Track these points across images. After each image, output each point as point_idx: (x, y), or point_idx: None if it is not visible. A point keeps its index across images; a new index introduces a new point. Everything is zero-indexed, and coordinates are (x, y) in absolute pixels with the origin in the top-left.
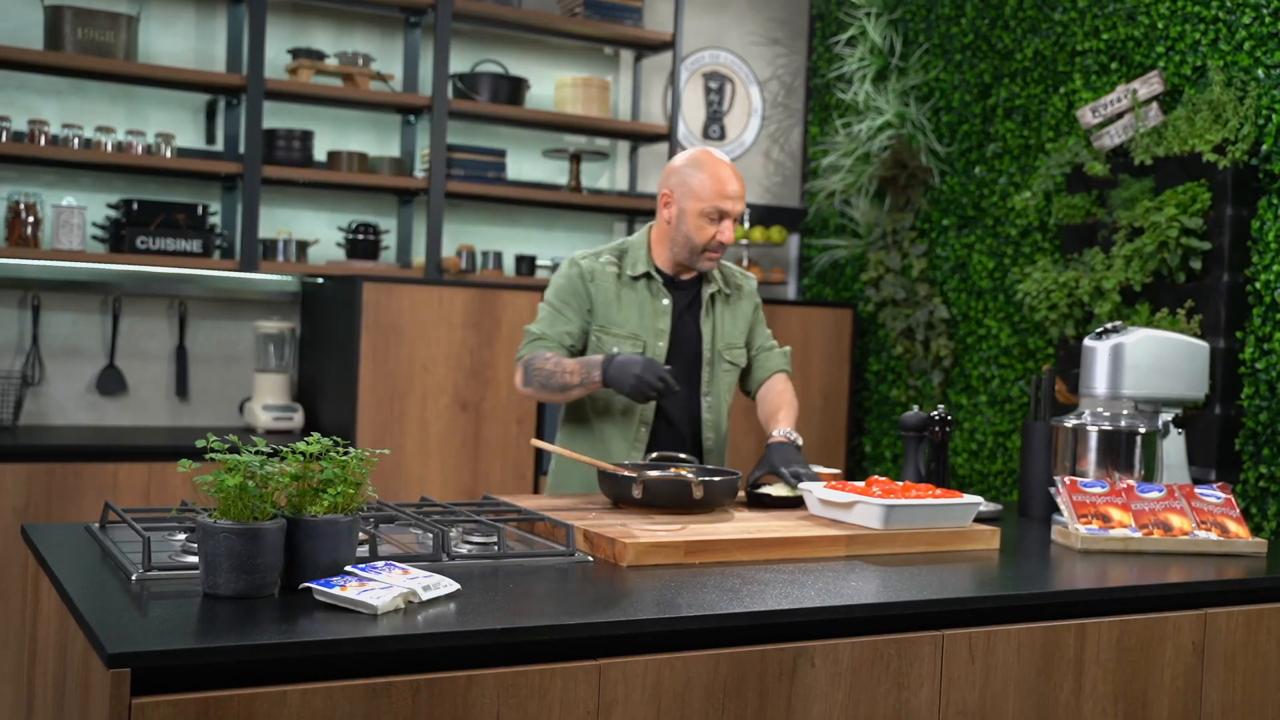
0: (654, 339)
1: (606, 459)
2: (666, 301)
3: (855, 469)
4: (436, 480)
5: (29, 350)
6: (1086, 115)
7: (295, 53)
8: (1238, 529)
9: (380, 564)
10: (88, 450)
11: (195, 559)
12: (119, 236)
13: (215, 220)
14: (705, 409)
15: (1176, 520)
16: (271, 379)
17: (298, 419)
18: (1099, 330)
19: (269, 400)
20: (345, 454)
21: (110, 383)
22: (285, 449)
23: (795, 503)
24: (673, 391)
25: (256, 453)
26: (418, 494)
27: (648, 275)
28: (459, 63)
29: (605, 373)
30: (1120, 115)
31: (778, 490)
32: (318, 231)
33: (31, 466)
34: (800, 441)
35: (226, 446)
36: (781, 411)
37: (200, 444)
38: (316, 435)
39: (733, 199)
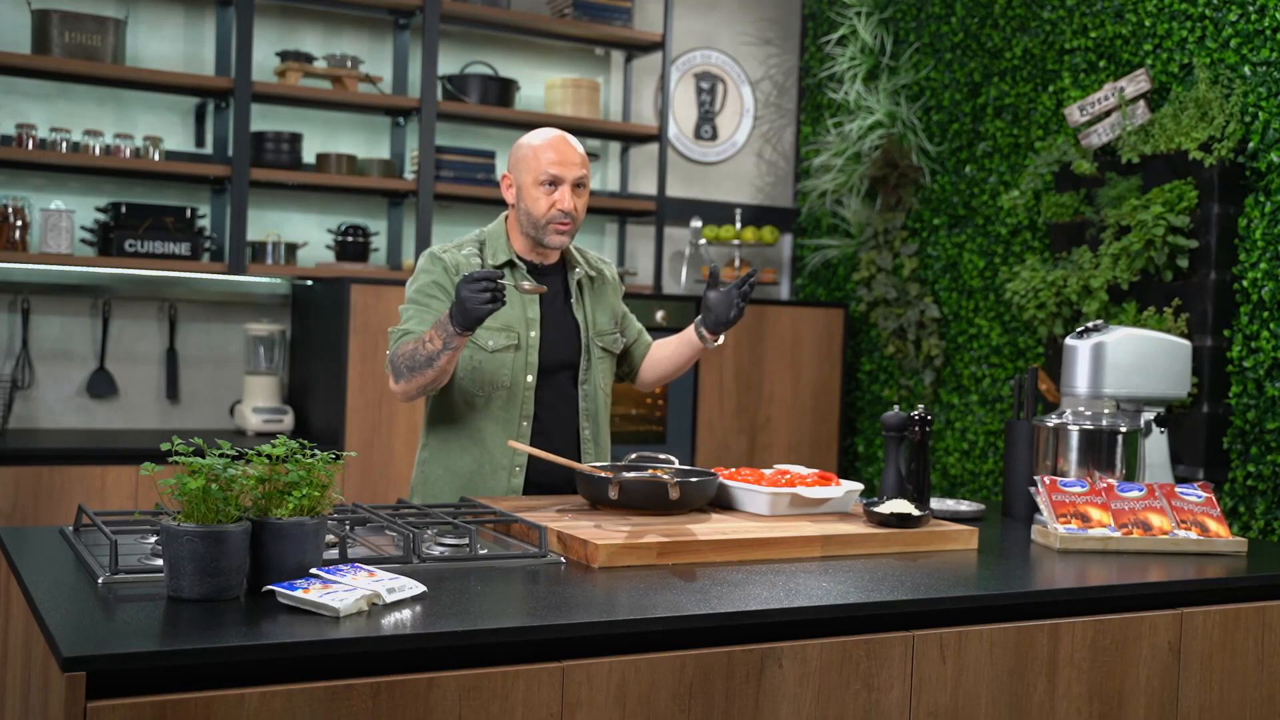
0: (526, 329)
1: (486, 458)
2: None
3: (848, 469)
4: None
5: (19, 354)
6: (1074, 113)
7: (284, 55)
8: (1218, 528)
9: (345, 566)
10: (76, 453)
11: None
12: (107, 240)
13: (204, 223)
14: (583, 397)
15: (1156, 519)
16: (262, 381)
17: (288, 421)
18: (1080, 329)
19: (259, 403)
20: (311, 457)
21: (101, 386)
22: (250, 451)
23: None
24: (500, 281)
25: (221, 455)
26: (408, 496)
27: (510, 264)
28: (448, 64)
29: (453, 318)
30: (1107, 113)
31: (898, 508)
32: (307, 234)
33: (19, 470)
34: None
35: (191, 449)
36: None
37: (165, 447)
38: (282, 438)
39: (564, 164)
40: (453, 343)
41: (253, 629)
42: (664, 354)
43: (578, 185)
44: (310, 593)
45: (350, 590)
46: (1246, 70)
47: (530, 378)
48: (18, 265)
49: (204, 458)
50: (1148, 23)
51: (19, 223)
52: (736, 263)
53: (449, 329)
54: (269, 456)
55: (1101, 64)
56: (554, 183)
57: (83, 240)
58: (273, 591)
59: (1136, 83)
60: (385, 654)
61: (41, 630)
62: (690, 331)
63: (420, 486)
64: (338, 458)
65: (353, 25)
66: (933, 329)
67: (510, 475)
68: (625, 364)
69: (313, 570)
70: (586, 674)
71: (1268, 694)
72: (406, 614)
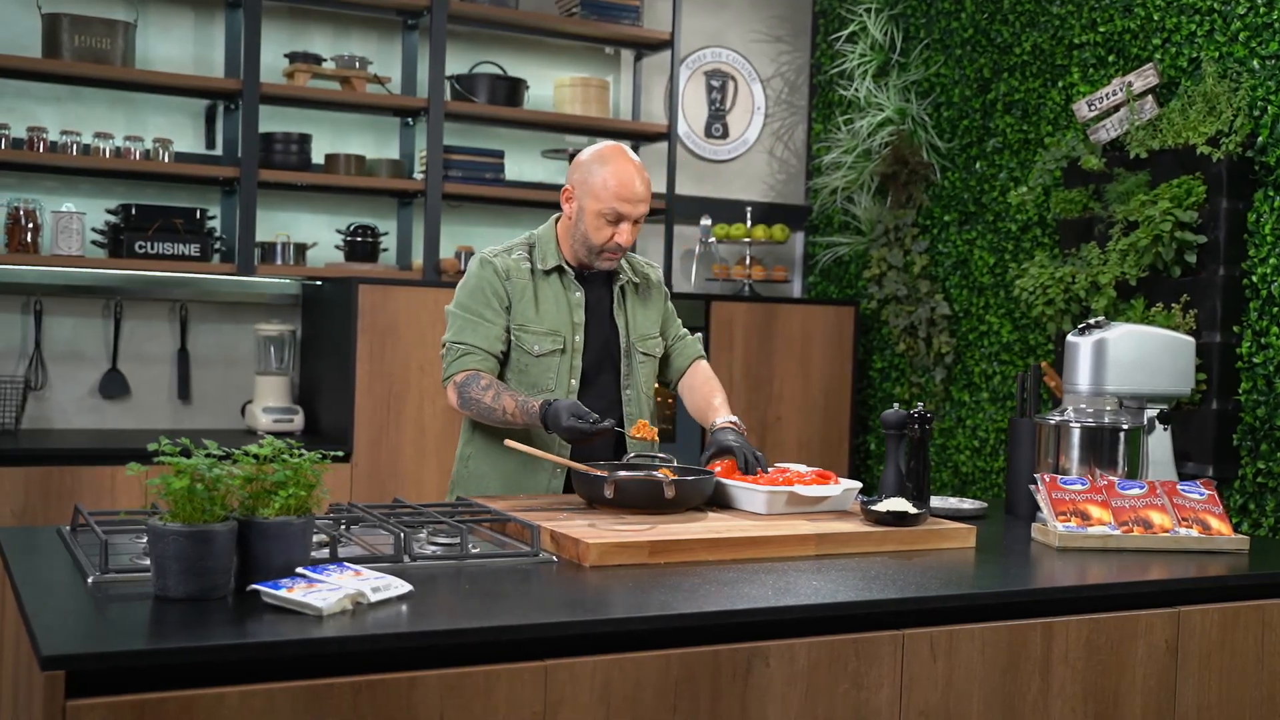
0: (571, 333)
1: (529, 457)
2: (579, 294)
3: (859, 467)
4: (433, 481)
5: (31, 355)
6: (1083, 109)
7: (292, 56)
8: (1220, 525)
9: (333, 566)
10: (87, 453)
11: None
12: (118, 241)
13: (214, 224)
14: (626, 402)
15: (1157, 517)
16: (272, 381)
17: (298, 421)
18: (1081, 326)
19: (269, 403)
20: (299, 456)
21: (113, 386)
22: (237, 451)
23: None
24: (602, 428)
25: (207, 455)
26: (415, 495)
27: (559, 269)
28: (457, 64)
29: (546, 422)
30: (1116, 109)
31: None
32: (316, 234)
33: (31, 470)
34: (744, 428)
35: (178, 449)
36: (717, 398)
37: (152, 447)
38: (270, 438)
39: (632, 202)
40: (535, 426)
41: (235, 628)
42: (693, 400)
43: (637, 220)
44: (294, 592)
45: (334, 590)
46: (1255, 64)
47: (574, 381)
48: (30, 267)
49: (190, 458)
50: (1156, 17)
51: (30, 225)
52: (748, 260)
53: (535, 420)
54: (255, 456)
55: (1110, 59)
56: (618, 220)
57: (94, 242)
58: (258, 591)
59: (1145, 78)
60: (367, 653)
61: (26, 629)
62: (708, 420)
63: (462, 482)
64: (324, 457)
65: (361, 26)
66: (943, 326)
67: (551, 477)
68: (664, 369)
69: (299, 569)
70: (570, 673)
71: (1267, 693)
72: (390, 613)
